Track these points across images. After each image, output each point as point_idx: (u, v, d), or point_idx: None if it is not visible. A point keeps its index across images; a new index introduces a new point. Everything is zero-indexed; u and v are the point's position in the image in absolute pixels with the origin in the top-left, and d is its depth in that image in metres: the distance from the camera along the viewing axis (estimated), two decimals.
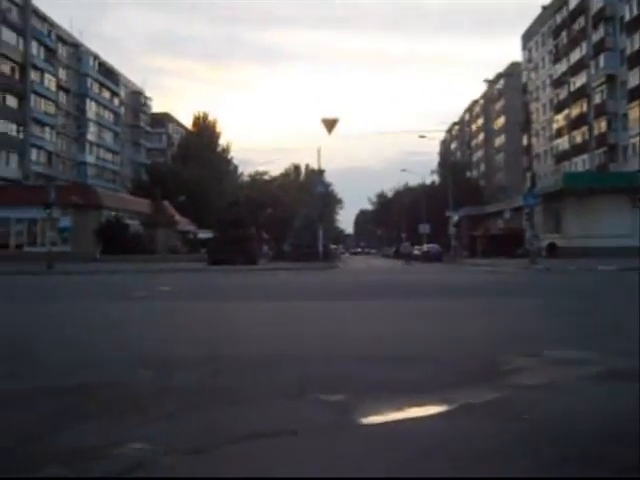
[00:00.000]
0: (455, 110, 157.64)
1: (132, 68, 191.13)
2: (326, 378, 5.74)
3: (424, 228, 67.06)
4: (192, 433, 4.21)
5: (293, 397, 5.07)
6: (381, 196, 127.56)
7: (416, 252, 60.54)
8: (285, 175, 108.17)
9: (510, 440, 3.88)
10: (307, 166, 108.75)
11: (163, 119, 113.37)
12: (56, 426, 4.42)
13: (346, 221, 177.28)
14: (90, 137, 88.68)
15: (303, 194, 72.35)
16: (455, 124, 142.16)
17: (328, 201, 48.37)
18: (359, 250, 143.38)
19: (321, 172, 50.98)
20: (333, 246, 49.62)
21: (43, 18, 77.27)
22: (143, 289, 17.08)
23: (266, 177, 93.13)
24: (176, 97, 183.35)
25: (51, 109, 78.35)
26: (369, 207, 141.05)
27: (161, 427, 4.36)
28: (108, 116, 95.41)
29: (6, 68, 69.56)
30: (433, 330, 9.06)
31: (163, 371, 6.21)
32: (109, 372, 6.29)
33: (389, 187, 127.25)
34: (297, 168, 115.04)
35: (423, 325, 9.69)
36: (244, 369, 6.26)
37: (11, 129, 69.81)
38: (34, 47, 74.88)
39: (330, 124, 38.16)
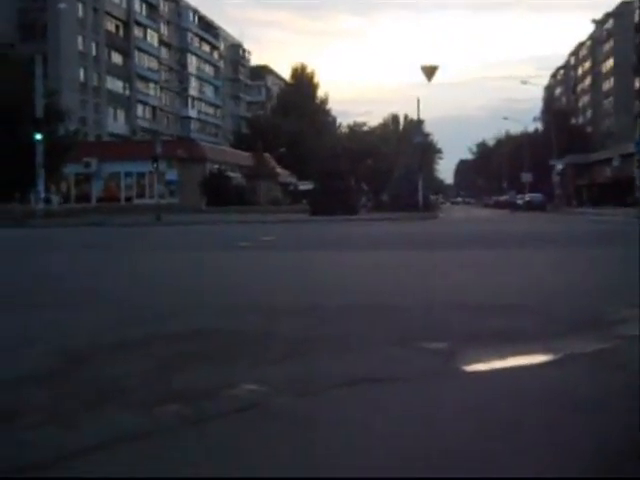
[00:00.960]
0: (560, 54, 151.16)
1: (230, 21, 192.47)
2: (428, 327, 5.81)
3: (526, 177, 65.25)
4: (300, 377, 4.37)
5: (396, 345, 5.17)
6: (482, 145, 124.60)
7: (519, 201, 59.11)
8: (384, 125, 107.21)
9: (617, 390, 3.86)
10: (406, 116, 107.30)
11: (262, 72, 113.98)
12: (172, 369, 4.68)
13: (446, 171, 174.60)
14: (192, 91, 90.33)
15: (402, 144, 71.52)
16: (560, 68, 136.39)
17: (427, 151, 47.75)
18: (459, 200, 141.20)
19: (420, 122, 50.28)
20: (433, 196, 49.12)
21: None
22: (247, 239, 17.50)
23: (365, 128, 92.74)
24: (274, 50, 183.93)
25: (154, 65, 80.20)
26: (469, 156, 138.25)
27: (271, 371, 4.55)
28: (209, 70, 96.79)
29: (111, 26, 71.50)
30: (534, 280, 8.94)
31: (270, 318, 6.44)
32: (218, 318, 6.58)
33: (490, 136, 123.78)
34: (396, 118, 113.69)
35: (524, 275, 9.56)
36: (348, 318, 6.39)
37: (117, 86, 72.02)
38: (137, 4, 76.52)
39: (430, 71, 37.48)
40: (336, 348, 5.14)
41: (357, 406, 3.78)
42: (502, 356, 4.71)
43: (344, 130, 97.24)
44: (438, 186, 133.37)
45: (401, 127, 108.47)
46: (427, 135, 49.04)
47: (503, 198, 74.62)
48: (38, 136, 34.45)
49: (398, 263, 11.74)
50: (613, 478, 3.75)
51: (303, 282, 9.17)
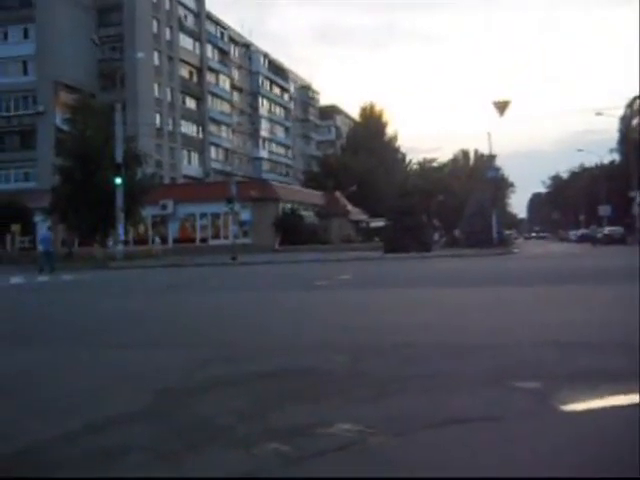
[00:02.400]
0: (634, 83, 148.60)
1: (299, 62, 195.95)
2: (519, 365, 5.73)
3: (604, 210, 63.69)
4: (394, 417, 4.38)
5: (488, 384, 5.12)
6: (555, 178, 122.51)
7: (598, 235, 57.73)
8: (454, 161, 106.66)
9: None
10: (476, 151, 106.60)
11: (331, 111, 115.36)
12: (267, 407, 4.76)
13: (519, 205, 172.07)
14: (263, 133, 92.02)
15: (473, 180, 71.02)
16: (636, 98, 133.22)
17: (500, 186, 47.21)
18: (533, 235, 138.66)
19: (492, 157, 49.87)
20: (507, 231, 48.37)
21: (216, 22, 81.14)
22: (324, 278, 17.60)
23: (434, 164, 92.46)
24: (342, 89, 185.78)
25: (226, 108, 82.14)
26: (542, 190, 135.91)
27: (363, 410, 4.58)
28: (279, 112, 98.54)
29: (185, 72, 73.75)
30: (626, 316, 8.69)
31: (357, 357, 6.46)
32: (305, 358, 6.64)
33: (563, 168, 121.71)
34: (466, 154, 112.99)
35: (615, 311, 9.32)
36: (436, 356, 6.37)
37: (192, 130, 73.99)
38: (209, 50, 78.81)
39: (502, 106, 37.29)
40: (426, 387, 5.13)
41: (452, 448, 3.76)
42: (597, 395, 4.61)
43: (414, 167, 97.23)
44: (511, 221, 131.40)
45: (472, 162, 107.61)
46: (499, 169, 48.63)
47: (580, 232, 72.98)
48: (118, 180, 35.64)
49: (480, 300, 11.60)
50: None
51: (386, 320, 9.16)
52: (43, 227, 47.57)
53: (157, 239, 47.03)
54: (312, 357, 6.62)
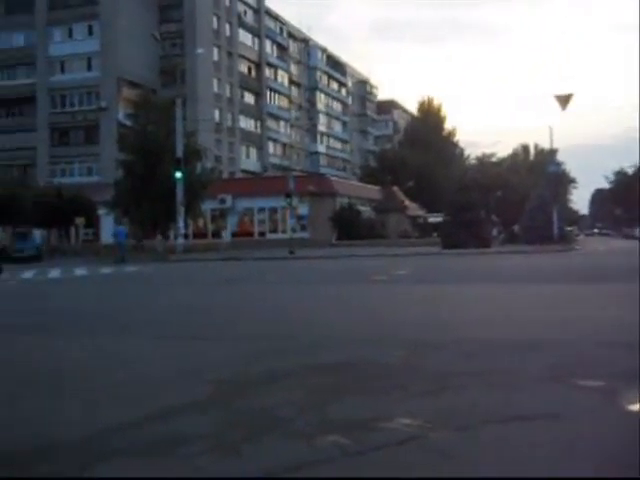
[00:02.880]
0: None
1: (357, 57, 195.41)
2: (581, 363, 5.63)
3: None
4: (454, 411, 4.35)
5: (548, 381, 5.04)
6: (619, 173, 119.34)
7: None
8: (513, 156, 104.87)
9: None
10: (536, 146, 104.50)
11: (389, 106, 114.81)
12: (325, 400, 4.78)
13: (581, 201, 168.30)
14: (321, 128, 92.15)
15: (534, 175, 69.82)
16: None
17: (561, 181, 46.29)
18: (595, 231, 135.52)
19: (553, 151, 48.87)
20: (568, 228, 47.42)
21: (275, 17, 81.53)
22: (381, 273, 17.56)
23: (493, 159, 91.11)
24: (400, 83, 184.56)
25: (284, 103, 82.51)
26: (605, 186, 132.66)
27: (423, 404, 4.56)
28: (336, 106, 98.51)
29: (244, 68, 74.35)
30: None
31: (416, 351, 6.44)
32: (365, 350, 6.64)
33: (628, 164, 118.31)
34: (526, 148, 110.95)
35: None
36: (493, 352, 6.30)
37: (250, 125, 74.59)
38: (268, 46, 79.26)
39: (564, 100, 36.47)
40: (487, 383, 5.07)
41: (513, 444, 3.71)
42: None
43: (472, 161, 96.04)
44: (573, 217, 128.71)
45: (532, 157, 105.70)
46: (560, 164, 47.66)
47: None
48: (179, 174, 36.20)
49: (540, 296, 11.43)
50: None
51: (444, 315, 9.11)
52: (107, 220, 48.85)
53: (224, 233, 47.55)
54: (370, 350, 6.62)
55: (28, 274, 24.04)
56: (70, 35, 61.46)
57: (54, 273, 24.48)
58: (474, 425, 4.02)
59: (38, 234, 46.17)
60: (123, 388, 5.47)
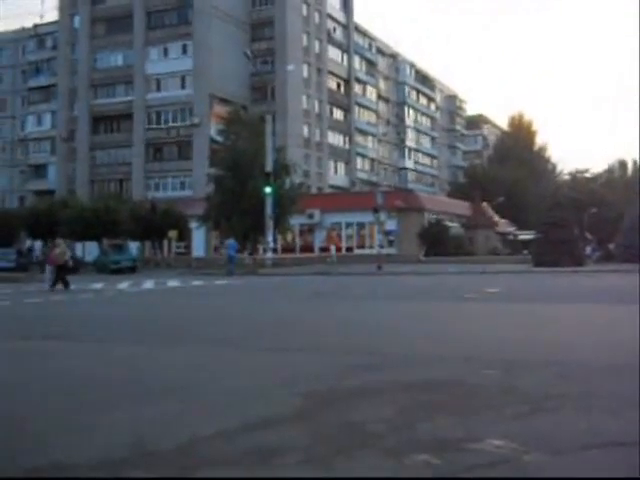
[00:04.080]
0: None
1: (446, 72, 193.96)
2: None
3: None
4: (547, 435, 4.25)
5: None
6: None
7: None
8: (609, 172, 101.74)
9: None
10: (635, 161, 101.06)
11: (478, 121, 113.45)
12: (417, 417, 4.76)
13: None
14: (409, 143, 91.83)
15: (631, 191, 67.54)
16: None
17: None
18: None
19: None
20: None
21: (364, 33, 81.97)
22: (472, 291, 17.30)
23: (587, 175, 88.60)
24: (490, 98, 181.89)
25: (373, 119, 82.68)
26: None
27: (515, 426, 4.47)
28: (425, 122, 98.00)
29: (332, 84, 74.99)
30: None
31: (508, 371, 6.32)
32: (454, 369, 6.57)
33: None
34: (623, 164, 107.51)
35: None
36: (589, 375, 6.11)
37: (338, 140, 75.08)
38: (356, 62, 79.72)
39: None
40: (582, 406, 4.94)
41: (610, 470, 3.61)
42: None
43: (565, 177, 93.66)
44: None
45: (629, 173, 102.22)
46: None
47: None
48: (268, 189, 36.75)
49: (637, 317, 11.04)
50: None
51: (537, 336, 8.90)
52: (199, 233, 50.04)
53: (333, 247, 47.83)
54: (461, 369, 6.55)
55: (123, 284, 24.86)
56: (165, 54, 63.54)
57: (148, 284, 25.23)
58: (569, 449, 3.92)
59: (134, 247, 47.75)
60: (216, 398, 5.59)
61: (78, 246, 52.85)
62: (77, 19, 67.04)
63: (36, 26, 72.15)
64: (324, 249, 50.55)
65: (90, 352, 8.55)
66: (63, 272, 22.43)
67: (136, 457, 4.05)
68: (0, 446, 4.38)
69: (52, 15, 70.49)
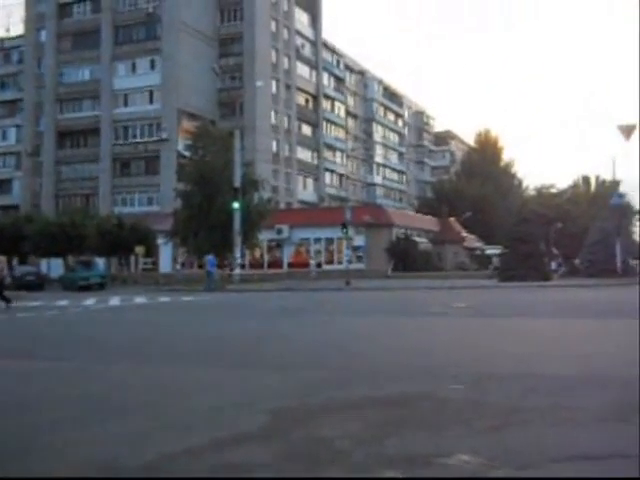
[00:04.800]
0: None
1: (413, 88, 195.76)
2: None
3: None
4: (516, 449, 4.26)
5: (614, 420, 4.90)
6: None
7: None
8: (574, 187, 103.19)
9: None
10: (597, 177, 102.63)
11: (445, 137, 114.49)
12: (385, 433, 4.73)
13: None
14: (377, 159, 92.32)
15: (595, 207, 68.54)
16: None
17: (625, 213, 45.14)
18: None
19: (616, 183, 47.95)
20: (634, 261, 46.13)
21: (332, 50, 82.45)
22: (439, 305, 17.38)
23: (553, 190, 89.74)
24: (457, 114, 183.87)
25: (341, 134, 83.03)
26: None
27: (483, 441, 4.47)
28: (393, 137, 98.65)
29: (301, 100, 75.21)
30: None
31: (475, 385, 6.33)
32: (424, 383, 6.56)
33: None
34: (586, 179, 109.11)
35: None
36: (558, 388, 6.14)
37: (307, 155, 75.23)
38: (325, 78, 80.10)
39: (628, 131, 35.79)
40: (549, 420, 4.95)
41: None
42: None
43: (531, 193, 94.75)
44: (638, 250, 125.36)
45: (593, 188, 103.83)
46: (624, 196, 46.61)
47: None
48: (236, 204, 36.59)
49: (601, 331, 11.17)
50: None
51: (504, 349, 8.94)
52: (166, 249, 49.63)
53: (313, 262, 47.71)
54: (428, 383, 6.55)
55: (90, 301, 24.55)
56: (133, 69, 63.24)
57: (115, 301, 24.95)
58: (537, 463, 3.93)
59: (100, 262, 47.18)
60: (181, 415, 5.52)
61: (43, 262, 52.16)
62: (44, 33, 66.41)
63: (2, 40, 71.40)
64: (293, 264, 50.48)
65: (49, 370, 8.39)
66: (1, 288, 21.66)
67: (103, 475, 3.98)
68: None
69: (18, 29, 69.88)
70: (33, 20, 67.20)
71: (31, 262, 50.16)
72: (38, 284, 40.68)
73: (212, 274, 34.02)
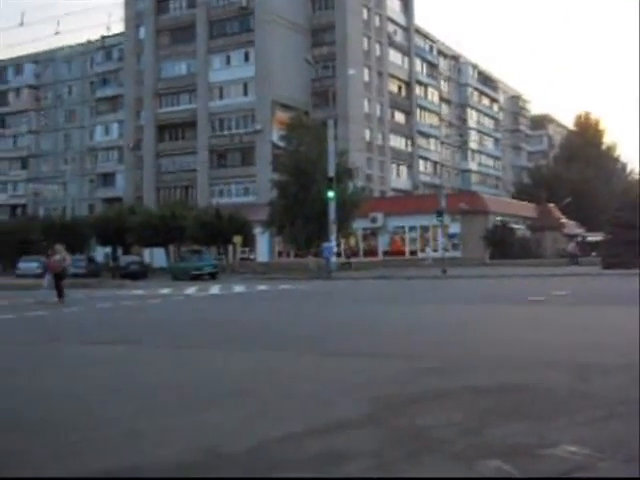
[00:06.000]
0: None
1: (509, 72, 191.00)
2: None
3: None
4: (623, 440, 4.14)
5: None
6: None
7: None
8: None
9: None
10: None
11: (543, 121, 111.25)
12: (487, 422, 4.68)
13: None
14: (472, 145, 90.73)
15: None
16: None
17: None
18: None
19: None
20: None
21: (425, 35, 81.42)
22: (538, 293, 16.96)
23: None
24: (555, 97, 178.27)
25: (435, 121, 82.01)
26: None
27: (589, 432, 4.36)
28: (488, 123, 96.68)
29: (394, 87, 74.66)
30: None
31: (581, 376, 6.14)
32: (520, 373, 6.44)
33: None
34: None
35: None
36: None
37: (400, 143, 74.71)
38: (417, 64, 79.22)
39: None
40: None
41: None
42: None
43: (635, 177, 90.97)
44: None
45: None
46: None
47: None
48: (331, 194, 36.73)
49: None
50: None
51: (610, 339, 8.65)
52: (262, 239, 50.48)
53: (429, 250, 46.85)
54: (531, 373, 6.42)
55: (191, 290, 25.26)
56: (228, 62, 64.35)
57: (214, 290, 25.59)
58: None
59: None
60: (281, 401, 5.63)
61: (145, 252, 53.98)
62: (142, 30, 68.48)
63: (103, 38, 74.09)
64: (388, 253, 50.38)
65: (163, 357, 8.71)
66: (60, 280, 20.70)
67: (209, 460, 4.11)
68: (78, 449, 4.49)
69: (118, 27, 72.23)
70: (132, 18, 69.33)
71: (134, 252, 51.92)
72: (142, 273, 42.15)
73: (330, 261, 34.84)
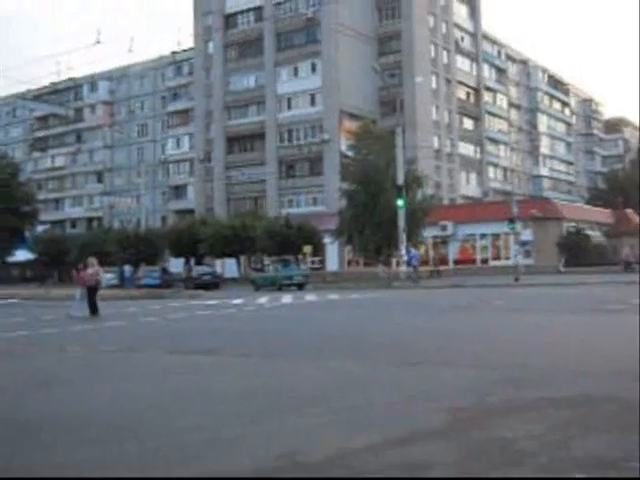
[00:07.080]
0: None
1: (581, 75, 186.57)
2: None
3: None
4: None
5: None
6: None
7: None
8: None
9: None
10: None
11: (618, 124, 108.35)
12: (569, 435, 4.62)
13: None
14: (543, 150, 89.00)
15: None
16: None
17: None
18: None
19: None
20: None
21: (493, 40, 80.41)
22: (617, 302, 16.52)
23: None
24: (631, 100, 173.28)
25: (504, 127, 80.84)
26: None
27: None
28: (559, 127, 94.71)
29: (462, 94, 73.99)
30: None
31: None
32: (605, 384, 6.32)
33: None
34: None
35: None
36: None
37: (469, 150, 73.91)
38: (486, 69, 78.29)
39: None
40: None
41: None
42: None
43: None
44: None
45: None
46: None
47: None
48: (400, 202, 36.66)
49: None
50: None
51: None
52: (332, 248, 50.57)
53: (519, 256, 44.63)
54: (611, 384, 6.30)
55: (263, 299, 25.54)
56: (295, 73, 64.95)
57: (286, 299, 25.81)
58: None
59: (267, 262, 48.81)
60: (357, 412, 5.66)
61: (217, 263, 54.83)
62: (211, 45, 69.83)
63: (174, 54, 75.89)
64: (459, 261, 49.87)
65: (237, 366, 8.87)
66: (93, 294, 19.90)
67: (288, 468, 4.18)
68: (159, 455, 4.64)
69: (188, 42, 73.84)
70: (201, 33, 70.81)
71: (207, 263, 52.80)
72: (214, 283, 42.79)
73: (417, 268, 36.78)
